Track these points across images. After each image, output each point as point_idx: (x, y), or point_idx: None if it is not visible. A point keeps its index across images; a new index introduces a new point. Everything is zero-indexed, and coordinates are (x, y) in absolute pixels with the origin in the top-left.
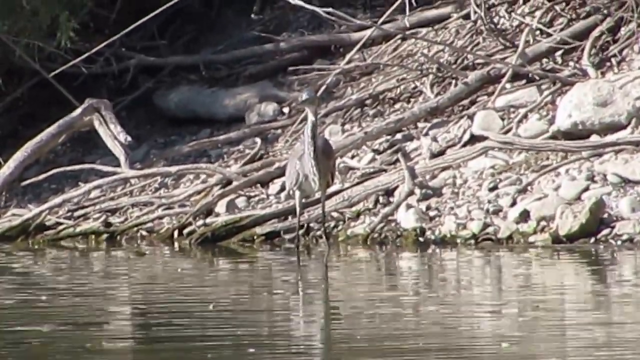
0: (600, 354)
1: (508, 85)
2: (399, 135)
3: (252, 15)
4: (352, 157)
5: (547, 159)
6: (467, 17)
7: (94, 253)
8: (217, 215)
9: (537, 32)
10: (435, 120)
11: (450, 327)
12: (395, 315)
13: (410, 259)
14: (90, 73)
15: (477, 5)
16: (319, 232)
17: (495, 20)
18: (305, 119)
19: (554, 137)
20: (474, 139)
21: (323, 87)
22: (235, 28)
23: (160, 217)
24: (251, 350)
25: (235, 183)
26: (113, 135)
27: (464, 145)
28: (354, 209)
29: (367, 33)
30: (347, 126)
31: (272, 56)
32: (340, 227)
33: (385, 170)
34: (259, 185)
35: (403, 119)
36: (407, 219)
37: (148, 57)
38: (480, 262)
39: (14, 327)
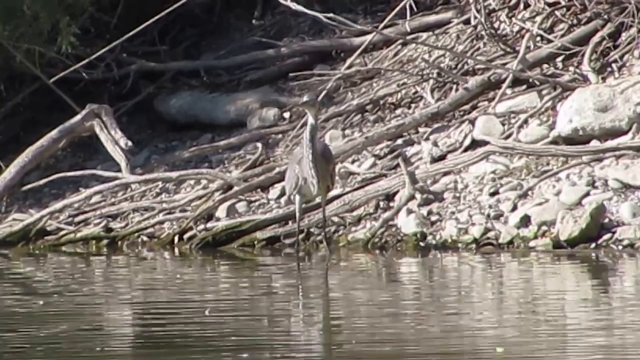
0: (597, 358)
1: (509, 91)
2: (399, 140)
3: (253, 21)
4: (353, 162)
5: (548, 164)
6: (467, 22)
7: (94, 258)
8: (218, 220)
9: (538, 38)
10: (436, 125)
11: (446, 332)
12: (395, 319)
13: (410, 264)
14: (91, 78)
15: (478, 11)
16: (319, 237)
17: (496, 25)
18: (305, 123)
19: (554, 142)
20: (475, 144)
21: (324, 92)
22: (236, 33)
23: (161, 222)
24: (244, 355)
25: (236, 188)
26: (114, 141)
27: (465, 150)
28: (354, 213)
29: (368, 38)
30: (347, 131)
31: (273, 61)
32: (340, 232)
33: (385, 175)
34: (259, 190)
35: (404, 124)
36: (407, 224)
37: (149, 62)
38: (481, 267)
39: (14, 331)
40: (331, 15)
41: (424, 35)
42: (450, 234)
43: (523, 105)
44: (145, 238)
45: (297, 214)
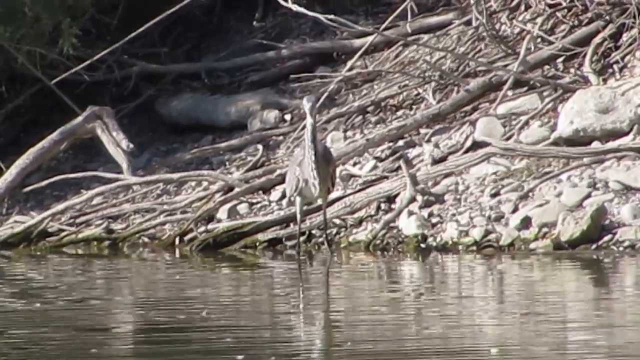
0: (597, 358)
1: (510, 92)
2: (400, 142)
3: (254, 23)
4: (354, 164)
5: (549, 165)
6: (468, 23)
7: (95, 259)
8: (219, 221)
9: (539, 39)
10: (437, 127)
11: (445, 333)
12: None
13: (411, 266)
14: (92, 80)
15: (479, 12)
16: (320, 239)
17: (497, 27)
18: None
19: (555, 143)
20: (476, 146)
21: (325, 94)
22: (237, 35)
23: (162, 224)
24: (239, 357)
25: (236, 190)
26: (115, 143)
27: (466, 151)
28: (355, 215)
29: (369, 40)
30: (349, 133)
31: (274, 63)
32: (342, 234)
33: (387, 177)
34: (260, 191)
35: (405, 126)
36: (408, 226)
37: (150, 64)
38: (481, 269)
39: (15, 332)
40: (332, 16)
41: (425, 36)
42: (451, 236)
43: (524, 106)
44: (146, 239)
45: (298, 216)
